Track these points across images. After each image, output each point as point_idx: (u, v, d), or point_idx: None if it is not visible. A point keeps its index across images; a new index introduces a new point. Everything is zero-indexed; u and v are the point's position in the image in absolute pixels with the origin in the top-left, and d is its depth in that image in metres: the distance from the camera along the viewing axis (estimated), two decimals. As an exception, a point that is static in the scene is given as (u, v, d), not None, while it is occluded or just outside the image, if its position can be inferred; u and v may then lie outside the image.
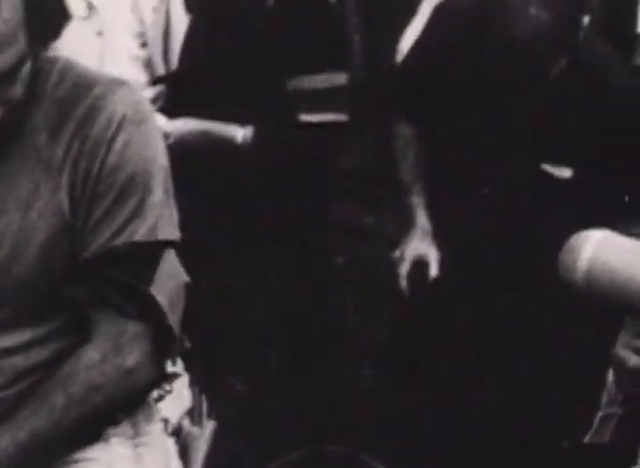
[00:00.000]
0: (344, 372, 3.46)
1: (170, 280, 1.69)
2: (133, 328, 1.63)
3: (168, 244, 1.66)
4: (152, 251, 1.64)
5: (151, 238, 1.62)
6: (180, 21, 3.49)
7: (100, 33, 3.36)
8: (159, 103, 2.99)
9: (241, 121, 2.79)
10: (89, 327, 1.63)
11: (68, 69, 1.65)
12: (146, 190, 1.62)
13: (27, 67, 1.56)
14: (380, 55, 3.75)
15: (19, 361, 1.63)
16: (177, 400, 2.00)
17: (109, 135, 1.59)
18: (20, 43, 1.51)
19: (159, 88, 3.07)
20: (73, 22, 3.33)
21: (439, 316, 2.70)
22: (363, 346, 3.77)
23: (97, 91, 1.62)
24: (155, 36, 3.44)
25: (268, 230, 2.86)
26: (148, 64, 3.44)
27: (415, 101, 2.77)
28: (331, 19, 2.86)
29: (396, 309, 3.04)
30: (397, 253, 2.71)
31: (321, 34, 2.75)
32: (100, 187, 1.60)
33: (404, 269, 2.68)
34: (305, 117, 2.70)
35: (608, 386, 2.15)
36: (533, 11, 2.43)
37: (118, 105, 1.60)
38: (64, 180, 1.61)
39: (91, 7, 3.34)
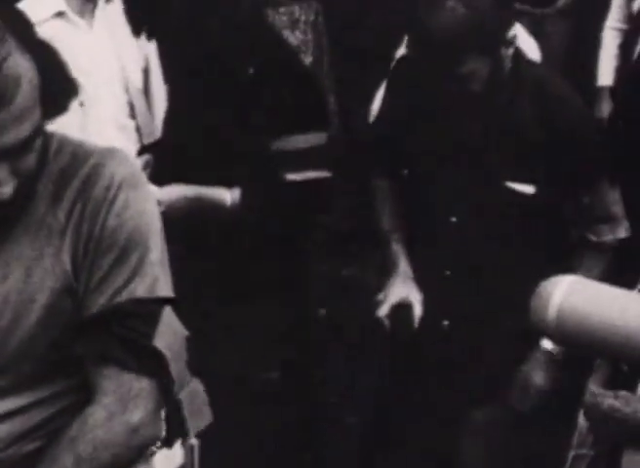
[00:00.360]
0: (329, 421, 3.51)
1: (171, 335, 1.73)
2: (138, 383, 1.66)
3: (166, 301, 1.71)
4: (153, 307, 1.68)
5: (152, 295, 1.67)
6: (160, 88, 3.58)
7: (81, 103, 3.39)
8: (147, 172, 3.04)
9: (227, 183, 2.85)
10: (92, 384, 1.66)
11: (65, 141, 1.74)
12: (145, 249, 1.67)
13: (40, 139, 1.63)
14: (354, 114, 3.87)
15: (17, 423, 1.66)
16: (169, 456, 1.92)
17: (109, 197, 1.66)
18: (37, 115, 1.59)
19: (146, 157, 3.11)
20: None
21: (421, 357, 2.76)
22: (347, 394, 3.83)
23: (93, 160, 1.70)
24: (141, 104, 3.52)
25: (252, 285, 2.90)
26: (136, 133, 3.52)
27: (388, 156, 2.88)
28: (308, 82, 2.97)
29: (379, 357, 3.11)
30: (380, 297, 2.76)
31: (300, 96, 2.82)
32: (101, 247, 1.65)
33: (386, 310, 2.73)
34: (290, 176, 2.79)
35: (579, 427, 2.21)
36: (450, 3, 2.50)
37: (116, 170, 1.68)
38: (67, 244, 1.66)
39: (73, 80, 3.41)
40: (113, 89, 3.48)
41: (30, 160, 1.62)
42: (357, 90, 4.68)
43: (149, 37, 2.78)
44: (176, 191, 2.87)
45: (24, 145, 1.58)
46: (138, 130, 3.51)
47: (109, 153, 1.72)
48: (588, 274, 2.50)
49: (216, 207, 2.84)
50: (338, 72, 4.96)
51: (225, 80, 2.83)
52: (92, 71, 3.41)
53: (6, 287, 1.65)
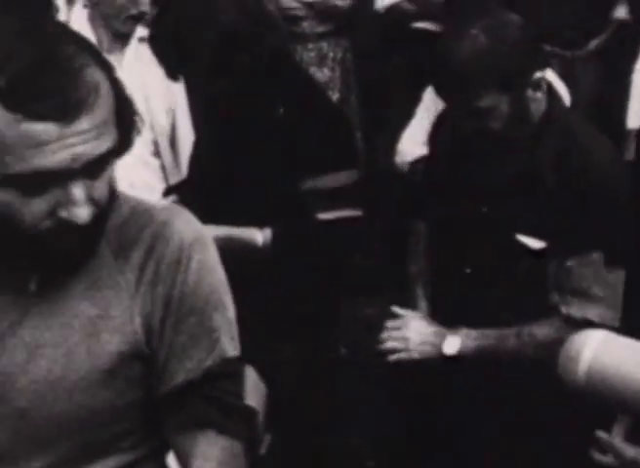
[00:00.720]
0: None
1: (255, 392, 1.75)
2: (235, 445, 1.62)
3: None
4: (238, 366, 1.66)
5: (237, 353, 1.65)
6: (186, 126, 3.59)
7: (109, 139, 3.43)
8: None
9: (258, 223, 2.81)
10: (183, 451, 1.61)
11: (122, 196, 1.69)
12: (224, 308, 1.65)
13: (112, 168, 1.57)
14: (380, 153, 3.87)
15: None
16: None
17: (184, 258, 1.60)
18: (114, 134, 1.51)
19: (172, 197, 3.09)
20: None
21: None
22: (367, 433, 3.80)
23: (159, 217, 1.64)
24: (166, 144, 3.53)
25: (277, 323, 2.85)
26: (161, 171, 3.55)
27: (422, 198, 2.85)
28: (338, 120, 2.92)
29: (399, 396, 3.07)
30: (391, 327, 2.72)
31: (330, 135, 2.79)
32: (182, 310, 1.59)
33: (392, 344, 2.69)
34: (322, 215, 2.75)
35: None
36: (474, 31, 2.42)
37: (185, 229, 1.63)
38: (139, 305, 1.58)
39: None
40: None
41: (103, 189, 1.54)
42: (384, 128, 4.70)
43: (177, 77, 2.76)
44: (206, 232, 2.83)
45: (101, 163, 1.51)
46: (162, 168, 3.53)
47: (174, 211, 1.69)
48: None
49: (247, 247, 2.80)
50: (364, 110, 4.95)
51: (255, 119, 2.79)
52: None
53: (67, 347, 1.57)
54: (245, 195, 2.80)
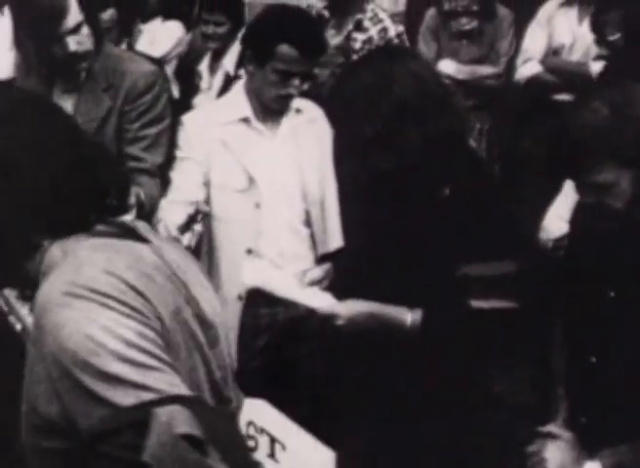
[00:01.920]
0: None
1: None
2: None
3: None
4: (137, 415, 1.65)
5: (132, 401, 1.65)
6: (334, 196, 3.60)
7: (257, 205, 3.48)
8: (326, 282, 3.03)
9: (409, 303, 2.77)
10: None
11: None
12: (93, 364, 1.66)
13: None
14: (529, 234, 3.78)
15: None
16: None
17: (38, 323, 1.70)
18: None
19: (327, 265, 3.10)
20: (232, 195, 3.47)
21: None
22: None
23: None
24: (318, 214, 3.53)
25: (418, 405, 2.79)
26: (310, 240, 3.55)
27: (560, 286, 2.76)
28: (502, 208, 2.84)
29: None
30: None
31: (492, 223, 2.72)
32: (57, 376, 1.66)
33: None
34: (476, 303, 2.68)
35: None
36: (596, 104, 2.38)
37: (40, 294, 1.72)
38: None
39: (251, 180, 3.47)
40: (291, 195, 3.53)
41: None
42: (522, 203, 4.62)
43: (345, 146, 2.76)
44: (356, 307, 2.80)
45: None
46: (312, 237, 3.54)
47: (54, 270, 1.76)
48: None
49: (395, 326, 2.75)
50: (505, 184, 4.89)
51: (418, 199, 2.74)
52: (270, 177, 3.50)
53: None
54: (398, 273, 2.75)
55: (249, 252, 3.45)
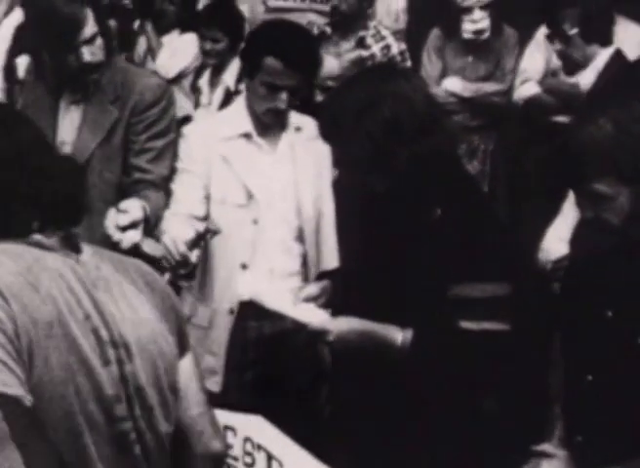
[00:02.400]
0: None
1: None
2: None
3: None
4: None
5: None
6: (331, 215, 3.61)
7: (255, 221, 3.48)
8: (323, 299, 3.02)
9: (400, 323, 2.76)
10: None
11: None
12: None
13: None
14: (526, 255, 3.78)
15: None
16: None
17: None
18: None
19: (324, 283, 3.09)
20: (231, 209, 3.47)
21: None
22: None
23: None
24: (311, 231, 3.54)
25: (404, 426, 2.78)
26: (301, 258, 3.54)
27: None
28: (496, 229, 2.84)
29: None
30: None
31: (485, 244, 2.71)
32: None
33: None
34: (466, 324, 2.66)
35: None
36: (601, 121, 2.39)
37: None
38: None
39: (250, 196, 3.48)
40: (285, 212, 3.53)
41: None
42: (522, 223, 4.61)
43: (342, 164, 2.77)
44: (348, 324, 2.79)
45: None
46: (304, 255, 3.54)
47: None
48: None
49: (385, 345, 2.75)
50: (510, 205, 4.91)
51: (409, 218, 2.74)
52: (268, 191, 3.50)
53: None
54: (390, 292, 2.75)
55: (243, 266, 3.45)
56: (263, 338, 3.50)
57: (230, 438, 2.66)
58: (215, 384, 3.48)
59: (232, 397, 3.41)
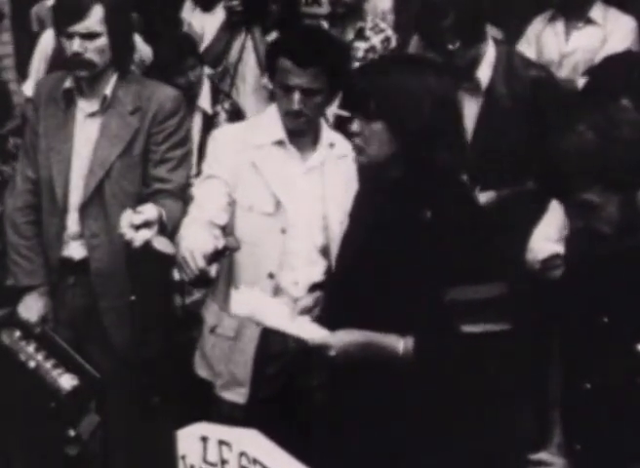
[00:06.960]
0: None
1: None
2: None
3: None
4: None
5: None
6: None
7: (283, 230, 3.43)
8: (317, 310, 2.97)
9: (400, 330, 2.71)
10: None
11: None
12: None
13: None
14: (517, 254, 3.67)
15: None
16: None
17: None
18: None
19: (316, 293, 3.05)
20: (258, 217, 3.42)
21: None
22: None
23: None
24: (336, 247, 3.40)
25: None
26: (326, 274, 3.43)
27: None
28: (486, 229, 2.77)
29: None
30: None
31: (479, 242, 2.65)
32: None
33: None
34: (467, 328, 2.60)
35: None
36: (581, 128, 2.36)
37: None
38: None
39: (279, 205, 3.43)
40: (312, 226, 3.47)
41: None
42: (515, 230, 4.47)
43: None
44: (348, 337, 2.73)
45: None
46: (328, 271, 3.45)
47: None
48: None
49: (388, 354, 2.69)
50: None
51: (403, 221, 2.69)
52: (296, 201, 3.46)
53: None
54: (387, 300, 2.69)
55: (270, 276, 3.40)
56: (288, 353, 3.44)
57: (226, 453, 2.62)
58: (240, 396, 3.47)
59: (249, 412, 3.39)
